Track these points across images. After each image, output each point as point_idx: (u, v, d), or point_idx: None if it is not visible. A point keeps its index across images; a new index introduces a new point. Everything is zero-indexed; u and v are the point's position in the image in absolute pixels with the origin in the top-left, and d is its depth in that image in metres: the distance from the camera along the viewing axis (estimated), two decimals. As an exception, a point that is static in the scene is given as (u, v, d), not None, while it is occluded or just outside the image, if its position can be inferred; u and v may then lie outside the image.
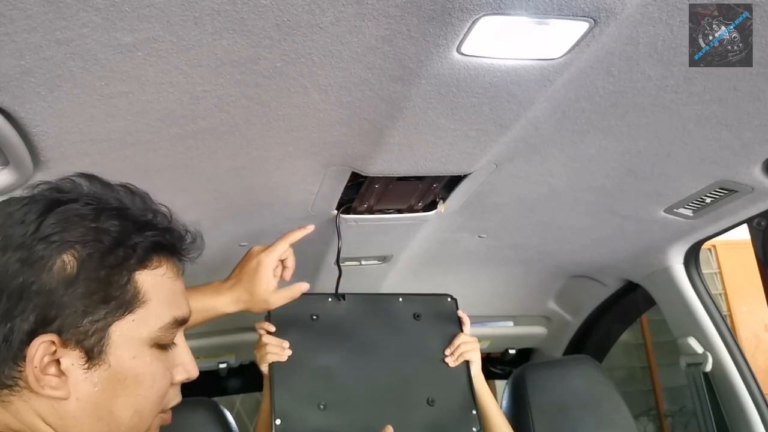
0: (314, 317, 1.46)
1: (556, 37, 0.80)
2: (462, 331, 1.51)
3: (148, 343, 0.72)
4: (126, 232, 0.71)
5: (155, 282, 0.73)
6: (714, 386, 1.76)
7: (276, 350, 1.38)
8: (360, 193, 1.34)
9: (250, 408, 3.84)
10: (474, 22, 0.74)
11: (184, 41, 0.75)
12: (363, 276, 1.84)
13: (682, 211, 1.48)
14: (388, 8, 0.73)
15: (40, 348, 0.66)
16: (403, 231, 1.59)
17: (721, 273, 4.75)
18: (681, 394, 4.59)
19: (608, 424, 1.78)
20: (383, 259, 1.79)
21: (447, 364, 1.47)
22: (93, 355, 0.68)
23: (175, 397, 0.79)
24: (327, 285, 1.89)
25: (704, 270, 1.87)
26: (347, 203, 1.41)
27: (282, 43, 0.78)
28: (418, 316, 1.52)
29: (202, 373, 2.64)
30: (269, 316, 1.42)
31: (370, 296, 1.58)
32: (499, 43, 0.80)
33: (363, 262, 1.79)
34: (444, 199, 1.43)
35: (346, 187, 1.32)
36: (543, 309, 2.41)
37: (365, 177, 1.24)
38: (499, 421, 1.48)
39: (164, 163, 1.09)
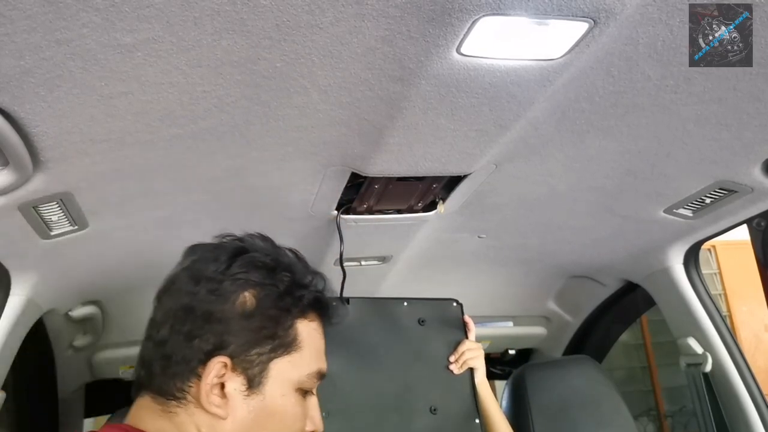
0: None
1: (556, 38, 0.80)
2: (467, 337, 1.49)
3: (295, 386, 0.82)
4: (294, 285, 0.84)
5: (309, 333, 0.85)
6: (714, 386, 1.75)
7: None
8: (360, 193, 1.34)
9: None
10: (474, 23, 0.74)
11: (183, 41, 0.75)
12: (363, 276, 1.84)
13: (681, 211, 1.48)
14: (388, 9, 0.73)
15: (216, 367, 0.76)
16: (403, 231, 1.59)
17: (720, 273, 4.75)
18: (681, 395, 4.59)
19: (608, 425, 1.78)
20: (383, 259, 1.79)
21: (451, 371, 1.45)
22: (253, 384, 0.78)
23: None
24: (327, 285, 1.89)
25: (704, 270, 1.87)
26: (347, 204, 1.41)
27: (282, 43, 0.78)
28: (422, 321, 1.50)
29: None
30: None
31: (375, 300, 1.57)
32: (498, 43, 0.80)
33: (363, 263, 1.79)
34: (444, 200, 1.43)
35: (346, 188, 1.32)
36: (543, 309, 2.41)
37: (365, 177, 1.24)
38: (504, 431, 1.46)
39: (164, 163, 1.09)
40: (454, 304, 1.54)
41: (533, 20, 0.76)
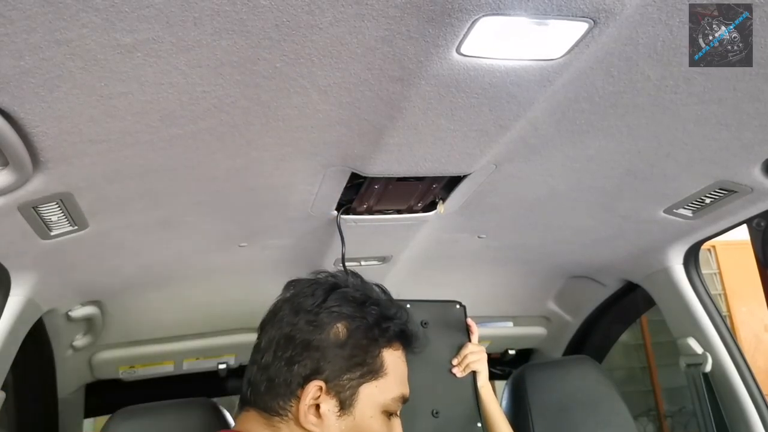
0: None
1: (556, 38, 0.80)
2: (469, 339, 1.48)
3: (381, 409, 0.91)
4: (381, 317, 0.94)
5: (394, 360, 0.95)
6: (714, 387, 1.75)
7: None
8: (359, 193, 1.34)
9: (250, 408, 3.84)
10: (473, 23, 0.74)
11: (183, 42, 0.75)
12: (363, 277, 1.84)
13: (681, 211, 1.48)
14: (388, 9, 0.73)
15: (312, 390, 0.87)
16: (403, 231, 1.59)
17: (720, 273, 4.75)
18: (680, 395, 4.59)
19: (608, 425, 1.78)
20: (383, 259, 1.79)
21: (454, 374, 1.44)
22: (345, 406, 0.88)
23: None
24: (327, 285, 1.89)
25: (704, 270, 1.87)
26: (347, 204, 1.41)
27: (281, 43, 0.78)
28: (425, 323, 1.49)
29: (201, 374, 2.64)
30: None
31: None
32: (498, 43, 0.80)
33: (363, 263, 1.79)
34: (444, 200, 1.43)
35: (346, 188, 1.32)
36: (543, 309, 2.41)
37: (365, 177, 1.24)
38: None
39: (163, 163, 1.09)
40: (458, 306, 1.53)
41: (533, 20, 0.76)
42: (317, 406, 0.87)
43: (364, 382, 0.90)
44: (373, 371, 0.91)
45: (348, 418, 0.88)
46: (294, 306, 0.93)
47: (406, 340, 0.99)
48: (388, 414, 0.93)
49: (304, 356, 0.89)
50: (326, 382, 0.88)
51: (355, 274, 1.02)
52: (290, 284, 0.99)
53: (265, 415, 0.89)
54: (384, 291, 1.02)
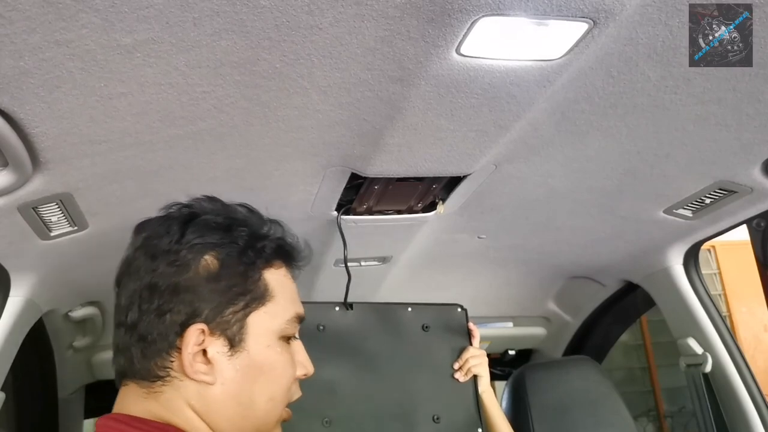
0: (321, 328, 1.44)
1: (556, 38, 0.80)
2: (471, 343, 1.48)
3: (277, 335, 0.82)
4: (254, 237, 0.83)
5: (279, 280, 0.85)
6: (713, 387, 1.75)
7: None
8: (359, 194, 1.34)
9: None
10: (473, 23, 0.74)
11: (183, 42, 0.75)
12: (363, 277, 1.83)
13: (681, 211, 1.48)
14: (388, 9, 0.73)
15: (194, 335, 0.76)
16: (403, 232, 1.59)
17: (720, 274, 4.75)
18: (680, 395, 4.59)
19: (608, 425, 1.78)
20: (383, 260, 1.79)
21: (455, 378, 1.44)
22: (235, 342, 0.78)
23: (296, 393, 0.88)
24: (326, 286, 1.89)
25: (704, 271, 1.87)
26: (347, 204, 1.41)
27: (281, 44, 0.78)
28: (426, 327, 1.48)
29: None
30: None
31: (379, 305, 1.55)
32: (498, 43, 0.80)
33: (363, 263, 1.79)
34: (443, 200, 1.43)
35: (346, 188, 1.31)
36: (542, 310, 2.41)
37: (365, 178, 1.24)
38: None
39: (163, 164, 1.09)
40: (459, 309, 1.52)
41: (533, 21, 0.76)
42: (204, 352, 0.77)
43: (250, 312, 0.80)
44: (258, 297, 0.81)
45: (242, 355, 0.78)
46: (149, 250, 0.80)
47: (286, 255, 0.88)
48: (287, 338, 0.84)
49: (175, 302, 0.77)
50: (207, 322, 0.77)
51: (212, 198, 0.88)
52: (140, 227, 0.85)
53: (143, 384, 0.78)
54: (250, 209, 0.90)
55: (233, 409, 0.78)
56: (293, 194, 1.33)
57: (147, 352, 0.77)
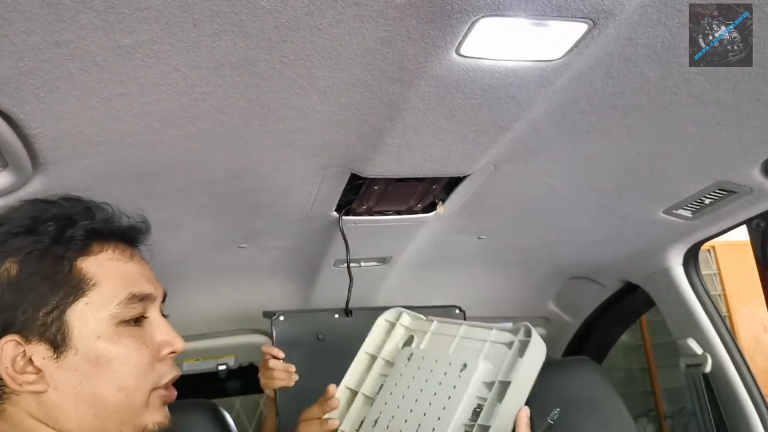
0: (320, 337, 1.44)
1: (555, 39, 0.80)
2: None
3: (111, 322, 0.77)
4: (62, 230, 0.78)
5: (101, 266, 0.79)
6: (713, 387, 1.75)
7: (283, 376, 1.33)
8: (359, 194, 1.34)
9: (250, 410, 3.83)
10: (473, 24, 0.74)
11: (183, 43, 0.75)
12: (362, 278, 1.83)
13: (681, 212, 1.48)
14: (387, 10, 0.73)
15: (5, 349, 0.72)
16: (403, 232, 1.59)
17: (720, 274, 4.74)
18: (680, 396, 4.58)
19: (608, 426, 1.77)
20: (383, 260, 1.79)
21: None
22: (58, 343, 0.74)
23: (168, 373, 0.83)
24: (326, 286, 1.89)
25: (703, 271, 1.87)
26: (346, 205, 1.41)
27: (281, 44, 0.78)
28: None
29: (201, 375, 2.62)
30: (273, 335, 1.39)
31: (377, 310, 1.55)
32: (498, 44, 0.80)
33: (362, 264, 1.79)
34: (443, 201, 1.43)
35: (345, 189, 1.31)
36: (542, 310, 2.41)
37: (364, 178, 1.24)
38: None
39: (163, 164, 1.09)
40: (457, 311, 1.52)
41: (532, 21, 0.76)
42: (31, 361, 0.73)
43: (66, 308, 0.75)
44: (73, 291, 0.76)
45: (70, 354, 0.74)
46: None
47: (106, 237, 0.82)
48: (132, 321, 0.79)
49: None
50: (21, 331, 0.73)
51: (33, 201, 0.83)
52: None
53: None
54: (76, 199, 0.84)
55: (78, 409, 0.75)
56: (293, 195, 1.33)
57: None
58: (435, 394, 1.04)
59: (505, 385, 0.96)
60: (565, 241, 1.77)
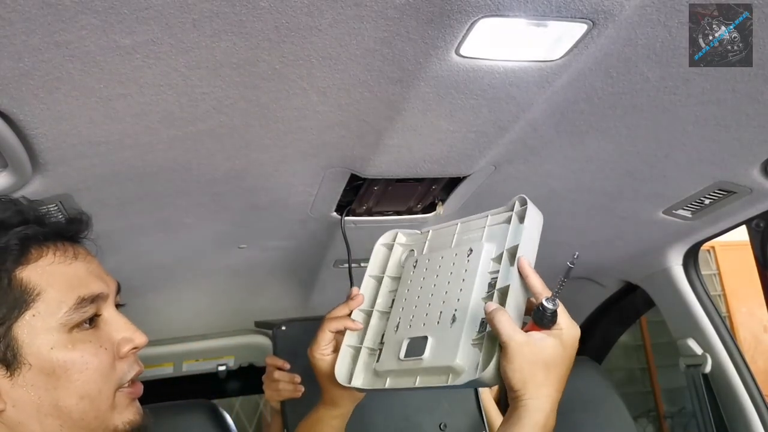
0: None
1: (555, 39, 0.80)
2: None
3: (63, 330, 0.73)
4: None
5: (43, 272, 0.74)
6: (713, 387, 1.76)
7: (289, 387, 1.31)
8: (359, 195, 1.34)
9: (250, 410, 3.84)
10: (472, 24, 0.74)
11: (182, 43, 0.75)
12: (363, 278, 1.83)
13: (680, 212, 1.48)
14: (387, 10, 0.73)
15: None
16: (403, 233, 1.59)
17: (720, 274, 4.74)
18: (680, 396, 4.59)
19: (608, 426, 1.78)
20: (382, 260, 1.79)
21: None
22: (9, 361, 0.70)
23: (131, 369, 0.80)
24: (326, 286, 1.89)
25: (703, 271, 1.87)
26: (346, 205, 1.41)
27: (281, 45, 0.78)
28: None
29: (201, 376, 2.62)
30: (276, 344, 1.38)
31: None
32: (497, 44, 0.80)
33: (362, 264, 1.78)
34: (443, 201, 1.43)
35: (345, 189, 1.31)
36: (542, 310, 2.41)
37: (364, 179, 1.24)
38: None
39: (163, 165, 1.09)
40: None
41: (532, 22, 0.76)
42: None
43: (13, 323, 0.71)
44: (17, 304, 0.71)
45: (24, 370, 0.70)
46: None
47: (46, 238, 0.77)
48: (86, 323, 0.76)
49: None
50: None
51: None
52: None
53: None
54: (11, 201, 0.79)
55: (42, 423, 0.72)
56: (293, 195, 1.33)
57: None
58: (449, 283, 1.03)
59: (513, 250, 0.97)
60: (565, 241, 1.77)
